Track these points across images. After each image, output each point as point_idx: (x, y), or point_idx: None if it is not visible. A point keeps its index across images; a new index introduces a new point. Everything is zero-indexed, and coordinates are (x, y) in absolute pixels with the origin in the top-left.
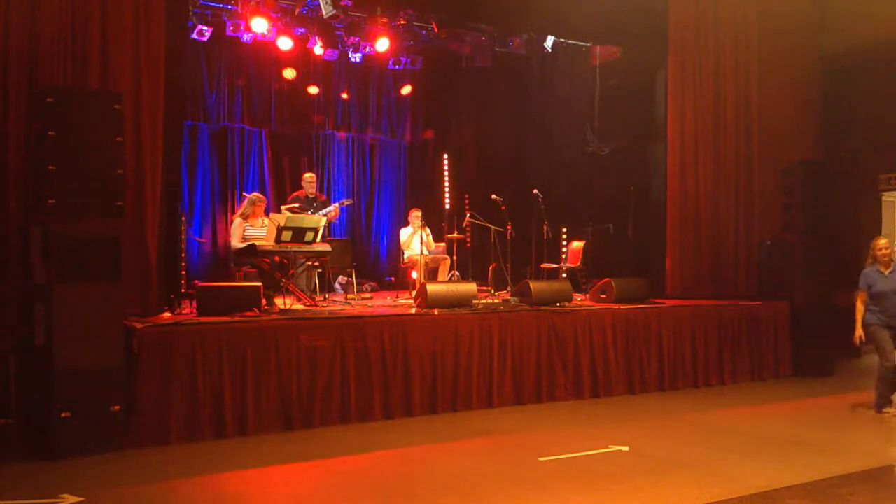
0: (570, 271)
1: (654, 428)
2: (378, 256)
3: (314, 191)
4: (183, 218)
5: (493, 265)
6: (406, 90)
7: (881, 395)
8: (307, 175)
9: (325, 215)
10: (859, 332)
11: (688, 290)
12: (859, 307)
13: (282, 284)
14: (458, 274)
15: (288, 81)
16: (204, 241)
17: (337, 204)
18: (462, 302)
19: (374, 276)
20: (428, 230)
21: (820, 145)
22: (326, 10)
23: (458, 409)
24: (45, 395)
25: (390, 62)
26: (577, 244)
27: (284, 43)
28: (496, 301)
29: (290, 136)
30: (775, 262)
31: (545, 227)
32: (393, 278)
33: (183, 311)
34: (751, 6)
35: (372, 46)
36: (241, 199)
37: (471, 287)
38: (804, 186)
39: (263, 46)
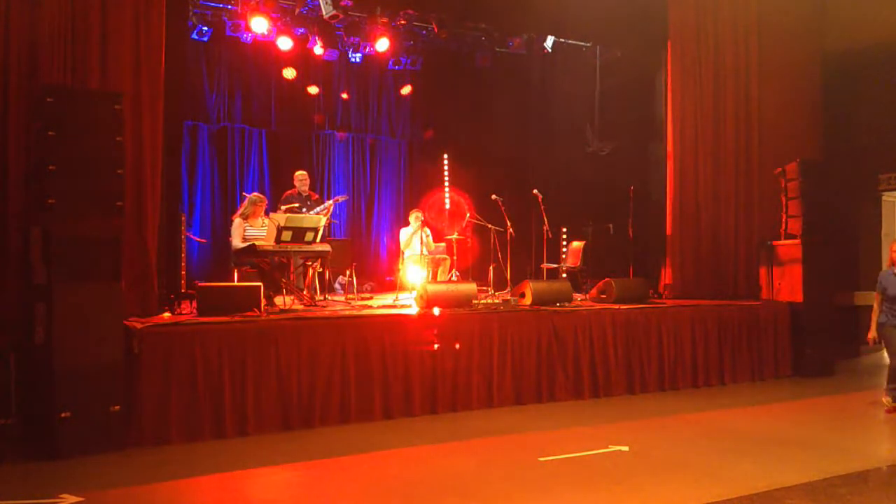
0: (570, 271)
1: (654, 428)
2: (378, 256)
3: (307, 188)
4: (183, 218)
5: (494, 265)
6: (406, 90)
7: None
8: (299, 172)
9: (319, 213)
10: (873, 333)
11: (688, 290)
12: (875, 308)
13: (282, 284)
14: (458, 274)
15: (288, 81)
16: (204, 241)
17: (331, 201)
18: (462, 302)
19: (373, 276)
20: (428, 230)
21: (820, 145)
22: (326, 10)
23: (458, 409)
24: (45, 395)
25: (390, 62)
26: (577, 244)
27: (284, 43)
28: (496, 301)
29: (290, 136)
30: (775, 261)
31: (545, 227)
32: (393, 278)
33: (183, 311)
34: (751, 6)
35: (372, 46)
36: (241, 199)
37: (471, 287)
38: (804, 186)
39: (263, 46)
